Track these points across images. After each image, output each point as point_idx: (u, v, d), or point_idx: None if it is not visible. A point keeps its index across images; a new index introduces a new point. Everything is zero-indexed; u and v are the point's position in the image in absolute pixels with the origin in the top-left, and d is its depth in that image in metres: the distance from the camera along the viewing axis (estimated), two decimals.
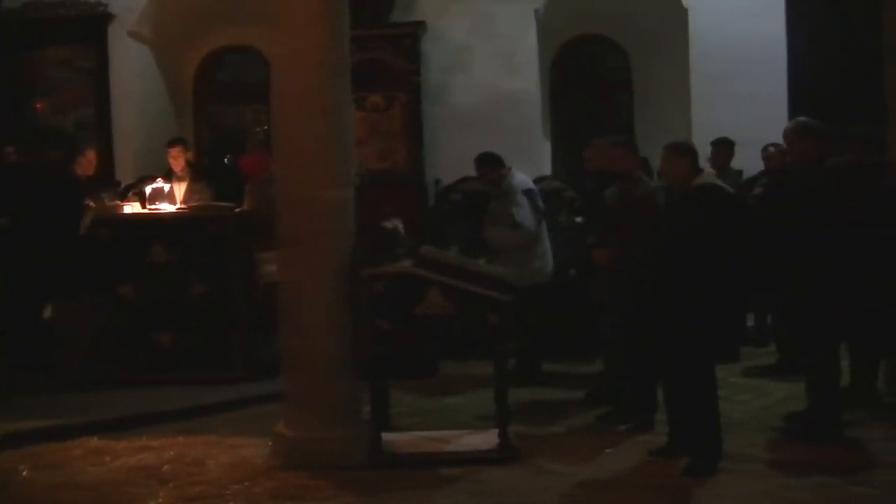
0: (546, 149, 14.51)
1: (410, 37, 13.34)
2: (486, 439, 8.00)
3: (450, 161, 12.97)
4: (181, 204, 11.16)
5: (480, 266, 8.85)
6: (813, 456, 7.72)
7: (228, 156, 14.81)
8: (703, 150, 10.34)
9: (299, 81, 7.76)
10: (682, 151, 7.77)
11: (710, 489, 7.10)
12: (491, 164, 10.44)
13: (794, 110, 12.74)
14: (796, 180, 8.46)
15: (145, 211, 10.77)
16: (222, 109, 15.87)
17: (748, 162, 11.81)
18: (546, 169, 13.83)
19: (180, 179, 11.57)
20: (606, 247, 8.77)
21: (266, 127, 14.34)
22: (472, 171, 10.93)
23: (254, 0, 11.44)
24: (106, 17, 13.92)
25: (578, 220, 10.78)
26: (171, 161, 11.54)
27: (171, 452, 8.32)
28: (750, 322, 11.71)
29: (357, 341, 7.75)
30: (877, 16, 9.31)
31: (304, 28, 7.76)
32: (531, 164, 12.72)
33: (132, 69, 14.17)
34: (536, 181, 11.42)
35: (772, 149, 11.10)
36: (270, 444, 8.13)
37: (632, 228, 8.43)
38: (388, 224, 8.29)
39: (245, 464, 7.95)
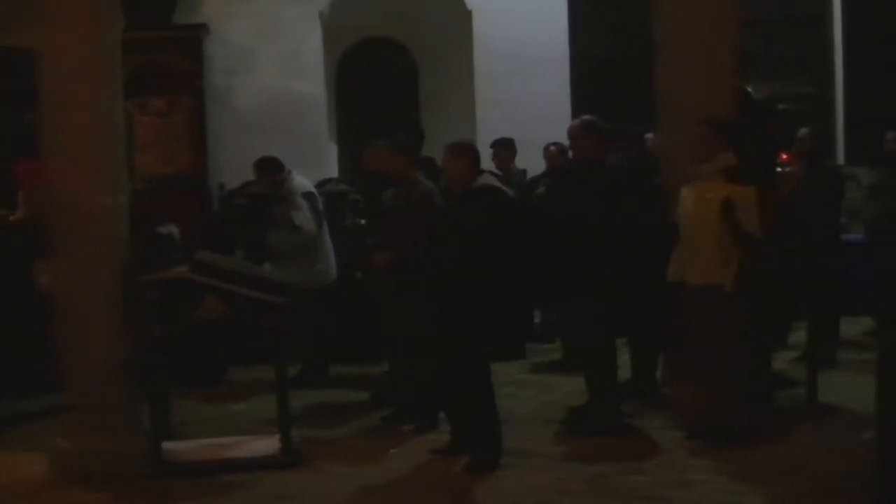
0: (332, 151, 14.56)
1: (193, 39, 13.16)
2: (269, 444, 7.93)
3: (235, 165, 12.78)
4: None
5: (259, 270, 8.80)
6: (593, 447, 7.89)
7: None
8: (488, 151, 10.48)
9: (65, 84, 7.59)
10: (463, 151, 7.86)
11: (491, 484, 7.21)
12: (269, 168, 10.34)
13: (576, 110, 13.00)
14: (577, 178, 8.62)
15: None
16: (6, 113, 15.41)
17: (533, 162, 11.96)
18: (333, 171, 13.85)
19: None
20: (385, 249, 8.79)
21: None
22: None
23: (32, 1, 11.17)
24: None
25: (362, 222, 10.78)
26: None
27: None
28: (536, 319, 11.89)
29: (132, 349, 7.61)
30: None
31: (70, 28, 7.61)
32: (317, 166, 12.76)
33: None
34: (321, 184, 11.43)
35: (553, 148, 11.20)
36: (49, 458, 7.89)
37: (409, 230, 8.45)
38: (163, 229, 8.15)
39: (23, 480, 7.71)
